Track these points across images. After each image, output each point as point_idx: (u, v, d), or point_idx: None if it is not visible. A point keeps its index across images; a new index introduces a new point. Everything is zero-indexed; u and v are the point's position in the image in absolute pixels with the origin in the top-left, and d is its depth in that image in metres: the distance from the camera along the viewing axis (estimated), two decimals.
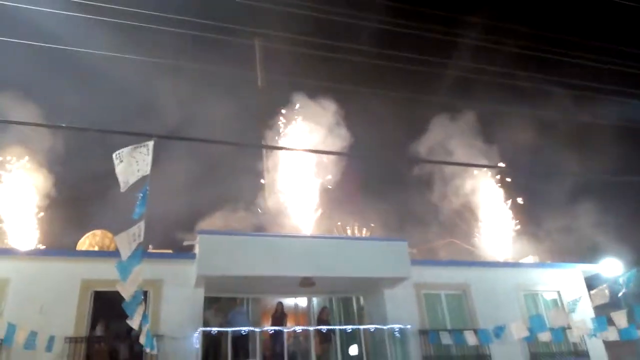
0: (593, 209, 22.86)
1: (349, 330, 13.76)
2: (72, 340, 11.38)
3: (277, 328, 13.14)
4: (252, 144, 19.07)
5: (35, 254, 13.20)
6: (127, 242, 6.21)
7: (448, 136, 21.89)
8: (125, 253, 6.32)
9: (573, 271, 16.72)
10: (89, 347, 11.58)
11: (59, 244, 15.88)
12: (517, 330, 13.29)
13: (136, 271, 7.11)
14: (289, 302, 15.67)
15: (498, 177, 20.67)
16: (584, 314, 13.53)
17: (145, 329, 9.24)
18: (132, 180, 5.22)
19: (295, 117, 20.29)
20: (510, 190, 20.71)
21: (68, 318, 11.68)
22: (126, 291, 7.25)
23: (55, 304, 11.67)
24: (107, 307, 11.72)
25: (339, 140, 20.10)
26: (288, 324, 14.62)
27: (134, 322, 8.74)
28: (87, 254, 13.60)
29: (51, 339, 10.79)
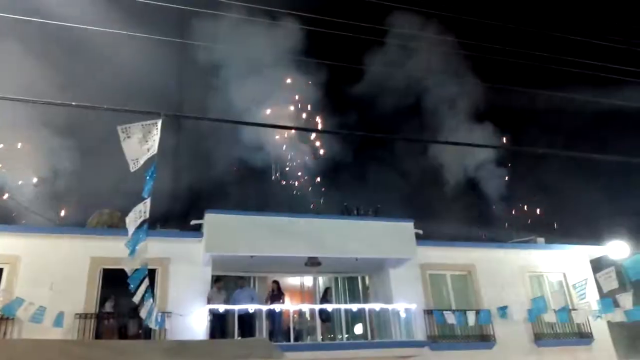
0: (601, 191, 22.75)
1: (354, 310, 13.90)
2: (82, 317, 11.60)
3: (282, 306, 13.25)
4: (254, 123, 19.03)
5: (45, 231, 13.35)
6: (134, 221, 6.26)
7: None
8: (132, 231, 6.38)
9: (579, 253, 16.69)
10: (98, 323, 11.80)
11: (68, 222, 16.03)
12: (519, 311, 13.38)
13: (142, 247, 7.18)
14: (294, 281, 15.80)
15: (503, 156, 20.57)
16: (589, 296, 13.58)
17: (148, 305, 9.33)
18: (143, 159, 5.20)
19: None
20: (516, 169, 20.62)
21: (78, 295, 11.87)
22: (130, 267, 7.32)
23: (65, 281, 11.84)
24: (115, 284, 11.88)
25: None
26: (292, 303, 14.75)
27: (136, 298, 8.84)
28: (96, 231, 13.72)
29: (60, 315, 10.96)
